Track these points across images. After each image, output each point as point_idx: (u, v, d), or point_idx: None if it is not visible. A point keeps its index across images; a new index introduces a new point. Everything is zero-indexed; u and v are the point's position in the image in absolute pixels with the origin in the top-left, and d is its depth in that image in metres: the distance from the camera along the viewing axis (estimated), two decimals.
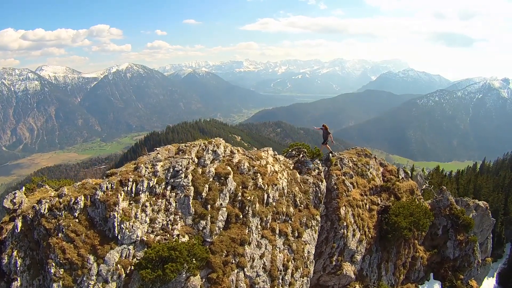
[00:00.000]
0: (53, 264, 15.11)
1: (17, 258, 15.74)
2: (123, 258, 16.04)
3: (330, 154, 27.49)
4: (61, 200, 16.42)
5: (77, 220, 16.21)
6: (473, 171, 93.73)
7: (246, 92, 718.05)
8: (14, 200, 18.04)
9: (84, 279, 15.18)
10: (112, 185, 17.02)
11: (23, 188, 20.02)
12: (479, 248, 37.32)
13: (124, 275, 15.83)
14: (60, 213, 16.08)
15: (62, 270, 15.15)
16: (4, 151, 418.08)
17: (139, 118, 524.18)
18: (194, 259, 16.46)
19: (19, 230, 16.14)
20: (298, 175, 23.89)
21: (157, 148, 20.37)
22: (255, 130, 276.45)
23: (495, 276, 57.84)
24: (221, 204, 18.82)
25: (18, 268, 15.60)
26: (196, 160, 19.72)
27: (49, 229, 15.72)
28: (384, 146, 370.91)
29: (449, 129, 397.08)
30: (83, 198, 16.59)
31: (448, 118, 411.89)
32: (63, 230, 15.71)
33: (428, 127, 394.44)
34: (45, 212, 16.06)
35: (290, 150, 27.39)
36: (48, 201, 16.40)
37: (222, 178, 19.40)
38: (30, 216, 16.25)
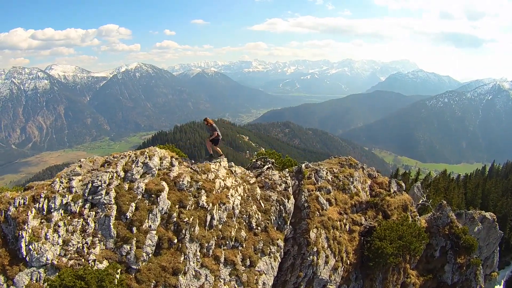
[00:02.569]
0: None
1: None
2: (34, 281, 14.13)
3: (215, 157, 21.40)
4: None
5: None
6: (481, 175, 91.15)
7: (254, 92, 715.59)
8: None
9: None
10: (25, 201, 15.17)
11: None
12: (485, 262, 34.21)
13: None
14: None
15: None
16: (14, 149, 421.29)
17: (148, 118, 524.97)
18: None
19: None
20: (258, 191, 20.16)
21: (82, 159, 17.50)
22: (263, 130, 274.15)
23: (502, 284, 54.49)
24: (149, 226, 15.74)
25: None
26: (122, 174, 16.60)
27: None
28: (392, 147, 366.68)
29: (458, 130, 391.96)
30: None
31: (457, 120, 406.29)
32: None
33: (437, 129, 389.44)
34: None
35: (254, 160, 23.71)
36: None
37: (153, 195, 16.22)
38: None
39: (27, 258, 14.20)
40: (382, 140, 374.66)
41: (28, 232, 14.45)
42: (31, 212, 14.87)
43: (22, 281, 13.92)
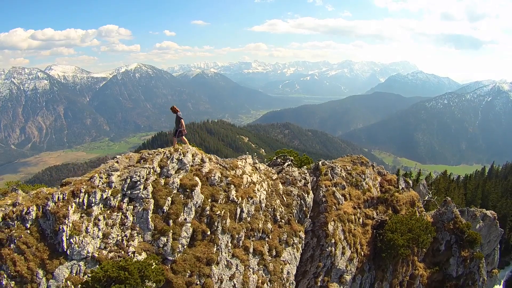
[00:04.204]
0: (5, 275, 13.89)
1: None
2: (74, 274, 14.69)
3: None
4: (14, 209, 15.13)
5: (28, 231, 14.85)
6: (481, 176, 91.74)
7: (254, 93, 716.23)
8: None
9: None
10: (64, 196, 15.50)
11: None
12: (486, 260, 34.78)
13: None
14: (13, 223, 14.77)
15: (13, 283, 13.95)
16: (13, 149, 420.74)
17: (148, 118, 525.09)
18: (147, 281, 14.62)
19: None
20: (281, 186, 21.53)
21: (118, 156, 18.53)
22: (262, 131, 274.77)
23: (502, 284, 55.33)
24: (185, 219, 16.85)
25: None
26: (158, 170, 17.72)
27: (1, 239, 14.42)
28: (392, 148, 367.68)
29: (457, 132, 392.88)
30: (35, 208, 15.16)
31: (456, 121, 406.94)
32: (15, 241, 14.41)
33: (437, 130, 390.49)
34: None
35: (275, 158, 24.99)
36: (3, 209, 15.05)
37: (188, 190, 17.36)
38: None
39: (68, 252, 14.80)
40: (381, 141, 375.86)
41: (69, 226, 14.99)
42: (71, 207, 15.37)
43: (62, 274, 14.50)
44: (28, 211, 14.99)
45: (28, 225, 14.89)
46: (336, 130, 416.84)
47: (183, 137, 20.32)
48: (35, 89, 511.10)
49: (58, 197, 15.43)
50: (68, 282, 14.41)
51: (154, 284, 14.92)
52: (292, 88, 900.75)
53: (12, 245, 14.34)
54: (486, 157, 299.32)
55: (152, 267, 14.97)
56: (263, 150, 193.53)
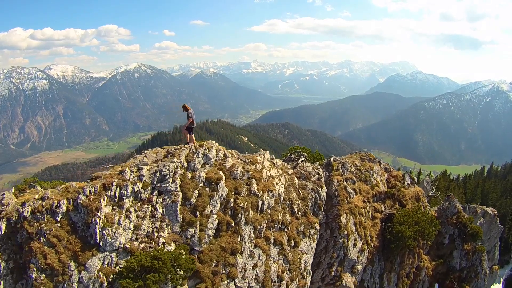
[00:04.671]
0: (35, 269, 14.40)
1: (0, 261, 14.94)
2: (105, 265, 15.26)
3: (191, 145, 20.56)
4: (43, 203, 15.66)
5: (59, 224, 15.41)
6: (480, 175, 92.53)
7: (253, 93, 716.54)
8: (2, 201, 16.86)
9: (65, 286, 14.43)
10: (95, 189, 16.20)
11: (13, 188, 18.89)
12: (487, 255, 35.89)
13: (106, 283, 15.02)
14: (42, 217, 15.31)
15: (43, 275, 14.41)
16: (12, 149, 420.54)
17: (147, 118, 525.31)
18: (179, 270, 15.51)
19: (2, 233, 15.28)
20: (296, 181, 22.73)
21: (145, 151, 19.47)
22: (262, 131, 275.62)
23: (501, 282, 56.27)
24: (211, 211, 17.83)
25: (1, 271, 14.85)
26: (185, 164, 18.70)
27: (31, 232, 14.98)
28: (392, 148, 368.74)
29: (457, 132, 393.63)
30: (65, 202, 15.75)
31: (456, 121, 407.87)
32: (45, 234, 14.93)
33: (436, 130, 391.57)
34: (27, 215, 15.33)
35: (289, 154, 26.23)
36: (31, 203, 15.65)
37: (213, 183, 18.38)
38: (13, 219, 15.44)
39: (101, 243, 15.33)
40: (381, 142, 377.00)
41: (101, 219, 15.56)
42: (103, 200, 15.96)
43: (95, 266, 14.98)
44: (58, 204, 15.53)
45: (59, 219, 15.43)
46: (336, 130, 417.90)
47: (192, 135, 21.18)
48: (34, 88, 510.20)
49: (90, 190, 16.04)
50: (100, 273, 14.96)
51: (185, 272, 15.77)
52: (292, 88, 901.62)
53: (42, 238, 14.86)
54: (485, 158, 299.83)
55: (183, 256, 15.83)
56: (262, 150, 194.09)
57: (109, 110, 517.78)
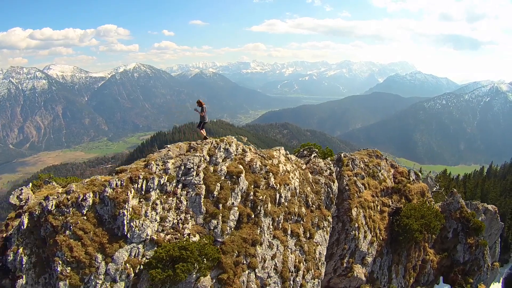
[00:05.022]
0: (60, 262, 14.67)
1: (22, 255, 15.17)
2: (132, 257, 15.73)
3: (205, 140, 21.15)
4: (68, 196, 15.97)
5: (85, 217, 15.75)
6: (480, 175, 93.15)
7: (253, 93, 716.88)
8: (21, 197, 17.52)
9: (92, 278, 14.83)
10: (122, 182, 16.60)
11: (30, 184, 19.30)
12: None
13: (133, 274, 15.51)
14: (67, 210, 15.62)
15: (69, 268, 14.70)
16: (11, 149, 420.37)
17: (146, 118, 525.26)
18: (205, 259, 16.23)
19: (25, 227, 15.61)
20: (310, 175, 23.70)
21: (168, 146, 20.10)
22: (261, 131, 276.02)
23: (501, 281, 56.94)
24: (232, 204, 18.64)
25: (24, 266, 15.04)
26: (207, 158, 19.51)
27: (56, 226, 15.24)
28: (391, 149, 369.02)
29: (456, 132, 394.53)
30: (91, 195, 16.12)
31: (455, 122, 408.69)
32: (71, 227, 15.25)
33: (435, 130, 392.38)
34: (52, 209, 15.58)
35: (301, 150, 27.18)
36: (56, 197, 15.92)
37: (234, 177, 19.22)
38: (36, 213, 15.73)
39: (128, 235, 15.72)
40: (380, 142, 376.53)
41: (129, 211, 15.91)
42: (131, 192, 16.26)
43: (122, 257, 15.35)
44: (84, 197, 15.81)
45: (85, 212, 15.72)
46: (335, 130, 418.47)
47: (203, 129, 22.04)
48: (34, 88, 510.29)
49: (116, 183, 16.36)
50: (127, 264, 15.39)
51: (211, 262, 16.49)
52: (291, 88, 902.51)
53: (67, 231, 15.10)
54: (485, 158, 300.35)
55: (209, 246, 16.55)
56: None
57: (108, 110, 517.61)
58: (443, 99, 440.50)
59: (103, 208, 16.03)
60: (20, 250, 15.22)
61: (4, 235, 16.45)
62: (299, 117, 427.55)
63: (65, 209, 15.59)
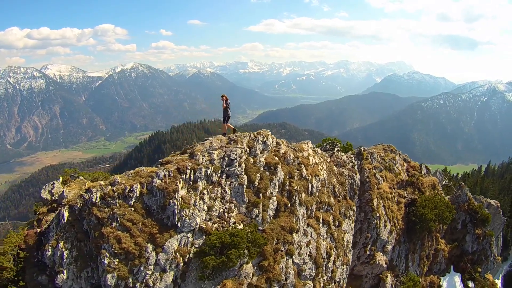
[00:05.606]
0: (107, 254, 14.80)
1: (63, 249, 15.11)
2: (182, 246, 16.14)
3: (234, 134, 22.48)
4: (114, 188, 16.11)
5: (132, 208, 15.95)
6: (478, 174, 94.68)
7: (250, 93, 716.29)
8: (52, 191, 17.86)
9: (142, 268, 15.07)
10: (170, 173, 16.97)
11: (60, 178, 19.31)
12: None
13: (182, 263, 15.96)
14: (114, 202, 15.79)
15: (117, 260, 14.86)
16: (9, 149, 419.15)
17: (144, 118, 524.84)
18: (252, 246, 17.21)
19: (65, 221, 15.61)
20: (335, 168, 25.42)
21: (210, 138, 21.15)
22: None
23: (500, 278, 58.47)
24: (271, 193, 19.92)
25: (65, 260, 14.97)
26: (247, 149, 20.70)
27: (101, 218, 15.36)
28: None
29: (453, 132, 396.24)
30: (138, 186, 16.29)
31: (452, 121, 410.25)
32: (118, 219, 15.44)
33: (433, 130, 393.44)
34: (96, 201, 15.70)
35: (324, 144, 28.83)
36: (100, 189, 16.03)
37: (272, 167, 20.58)
38: (78, 206, 15.81)
39: (179, 224, 16.16)
40: (378, 141, 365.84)
41: (179, 201, 16.31)
42: (179, 182, 16.72)
43: (172, 247, 15.69)
44: (132, 189, 16.04)
45: (132, 203, 15.97)
46: (333, 130, 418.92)
47: (228, 123, 23.15)
48: (31, 88, 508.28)
49: (164, 174, 16.76)
50: (177, 254, 15.78)
51: (259, 248, 17.54)
52: (289, 88, 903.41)
53: (114, 223, 15.31)
54: (482, 157, 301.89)
55: (256, 233, 17.60)
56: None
57: (106, 110, 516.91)
58: (440, 99, 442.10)
59: (151, 198, 16.40)
60: (61, 244, 15.22)
61: (38, 230, 16.39)
62: (296, 117, 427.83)
63: (111, 201, 15.80)
